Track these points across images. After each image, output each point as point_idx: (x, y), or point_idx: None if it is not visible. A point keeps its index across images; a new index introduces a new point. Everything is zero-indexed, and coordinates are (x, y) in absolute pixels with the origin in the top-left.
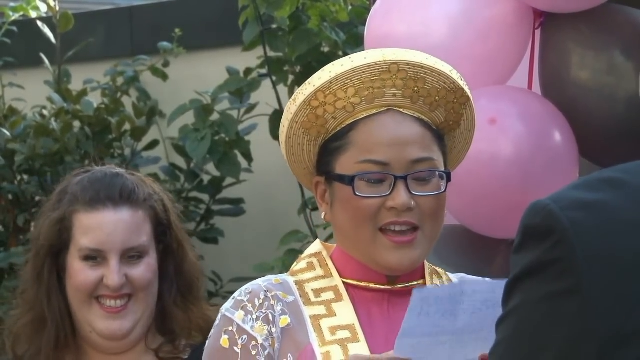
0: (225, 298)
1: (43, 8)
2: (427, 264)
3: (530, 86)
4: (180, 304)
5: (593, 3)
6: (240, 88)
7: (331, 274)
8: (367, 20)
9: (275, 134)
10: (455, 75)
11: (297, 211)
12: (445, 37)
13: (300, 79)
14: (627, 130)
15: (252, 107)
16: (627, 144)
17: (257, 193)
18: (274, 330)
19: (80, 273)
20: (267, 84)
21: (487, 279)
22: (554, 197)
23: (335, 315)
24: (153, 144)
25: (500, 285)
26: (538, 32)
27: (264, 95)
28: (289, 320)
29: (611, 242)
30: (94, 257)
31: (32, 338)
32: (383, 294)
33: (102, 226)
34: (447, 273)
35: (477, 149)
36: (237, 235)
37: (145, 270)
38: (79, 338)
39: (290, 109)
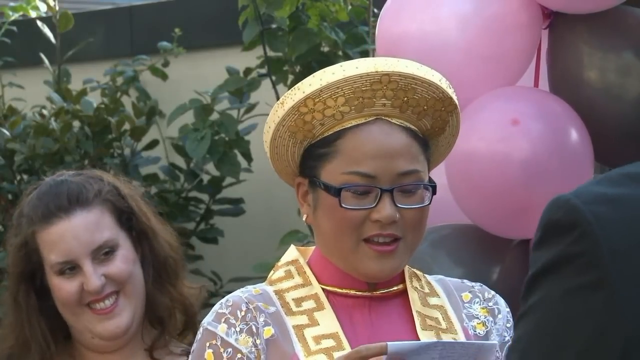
0: None
1: (43, 8)
2: (406, 268)
3: (536, 86)
4: (159, 285)
5: (608, 4)
6: (240, 88)
7: (310, 281)
8: (378, 19)
9: None
10: (444, 84)
11: (297, 211)
12: (455, 36)
13: (300, 79)
14: (637, 131)
15: (251, 107)
16: (638, 145)
17: (257, 193)
18: (258, 341)
19: (61, 288)
20: (266, 83)
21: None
22: (575, 192)
23: (318, 325)
24: (153, 144)
25: (485, 348)
26: (545, 33)
27: (263, 95)
28: (272, 331)
29: (635, 235)
30: (68, 268)
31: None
32: (364, 300)
33: (62, 237)
34: (426, 275)
35: (493, 150)
36: (237, 235)
37: (121, 263)
38: (78, 344)
39: (278, 112)
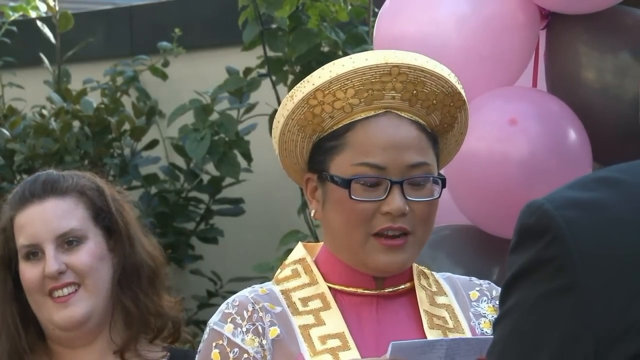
0: (225, 298)
1: (43, 8)
2: (414, 266)
3: (534, 86)
4: (126, 289)
5: (605, 4)
6: (239, 88)
7: (317, 280)
8: (376, 20)
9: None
10: (453, 79)
11: (297, 211)
12: (454, 37)
13: (300, 79)
14: (635, 131)
15: (251, 107)
16: (635, 145)
17: (257, 193)
18: (264, 342)
19: (25, 273)
20: (266, 83)
21: (476, 337)
22: (548, 197)
23: (324, 324)
24: (153, 144)
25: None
26: (542, 33)
27: (263, 95)
28: (278, 331)
29: (605, 239)
30: (33, 252)
31: None
32: (371, 298)
33: (31, 221)
34: (434, 273)
35: (492, 149)
36: (237, 235)
37: (85, 255)
38: (49, 341)
39: (287, 105)
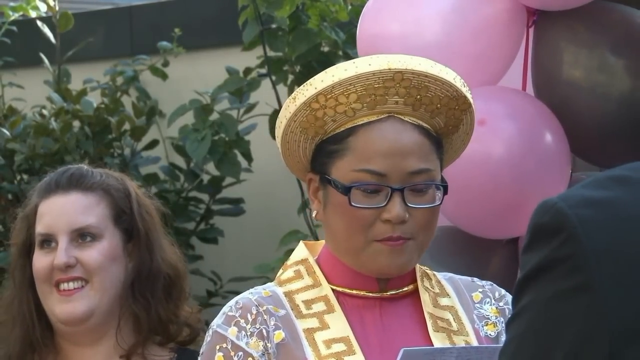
0: (225, 298)
1: (43, 8)
2: (417, 267)
3: (524, 86)
4: (138, 295)
5: (584, 0)
6: (239, 88)
7: (320, 282)
8: (359, 19)
9: (275, 134)
10: (458, 82)
11: (297, 211)
12: (437, 36)
13: (300, 79)
14: (619, 128)
15: (251, 107)
16: (619, 142)
17: (257, 193)
18: (269, 345)
19: (36, 261)
20: (266, 83)
21: (484, 345)
22: (562, 196)
23: (329, 328)
24: (153, 144)
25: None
26: (531, 32)
27: (263, 95)
28: (283, 335)
29: (620, 238)
30: (48, 242)
31: (6, 339)
32: (374, 300)
33: (50, 211)
34: (436, 274)
35: (469, 150)
36: (237, 235)
37: (97, 253)
38: (57, 336)
39: (290, 107)
